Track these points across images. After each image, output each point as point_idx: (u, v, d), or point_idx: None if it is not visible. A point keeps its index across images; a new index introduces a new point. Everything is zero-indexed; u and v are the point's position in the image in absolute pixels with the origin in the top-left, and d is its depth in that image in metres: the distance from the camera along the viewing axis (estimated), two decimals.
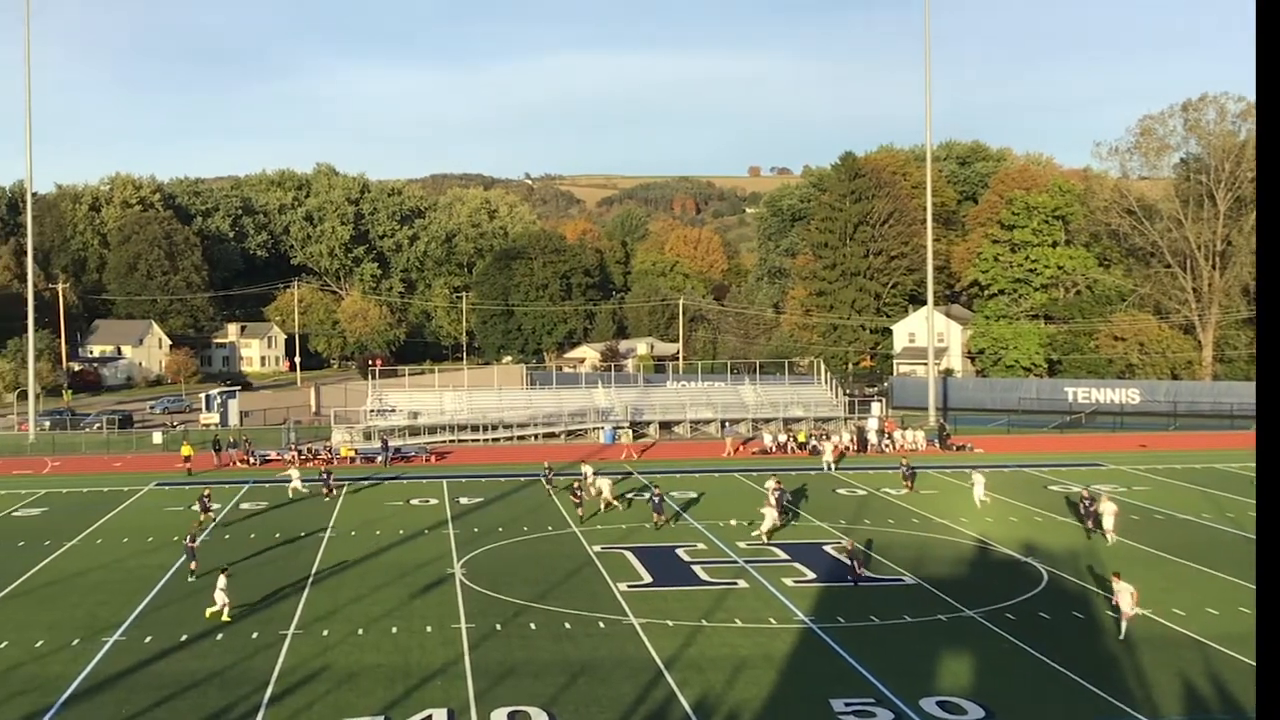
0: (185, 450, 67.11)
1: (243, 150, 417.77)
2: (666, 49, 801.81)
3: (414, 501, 54.70)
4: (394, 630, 32.50)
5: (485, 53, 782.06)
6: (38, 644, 31.67)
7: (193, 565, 39.33)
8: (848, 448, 71.91)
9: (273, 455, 70.89)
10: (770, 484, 48.49)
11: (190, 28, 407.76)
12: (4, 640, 32.08)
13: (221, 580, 34.31)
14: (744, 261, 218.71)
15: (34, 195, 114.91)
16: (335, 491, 56.24)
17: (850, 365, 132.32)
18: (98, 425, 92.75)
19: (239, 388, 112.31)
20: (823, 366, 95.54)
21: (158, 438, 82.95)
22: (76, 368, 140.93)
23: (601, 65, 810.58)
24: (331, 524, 49.07)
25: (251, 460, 69.46)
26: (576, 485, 51.45)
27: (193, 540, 40.41)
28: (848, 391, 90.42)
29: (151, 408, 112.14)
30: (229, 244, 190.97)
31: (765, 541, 43.68)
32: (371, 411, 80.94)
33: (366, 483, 60.80)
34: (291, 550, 43.95)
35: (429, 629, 32.56)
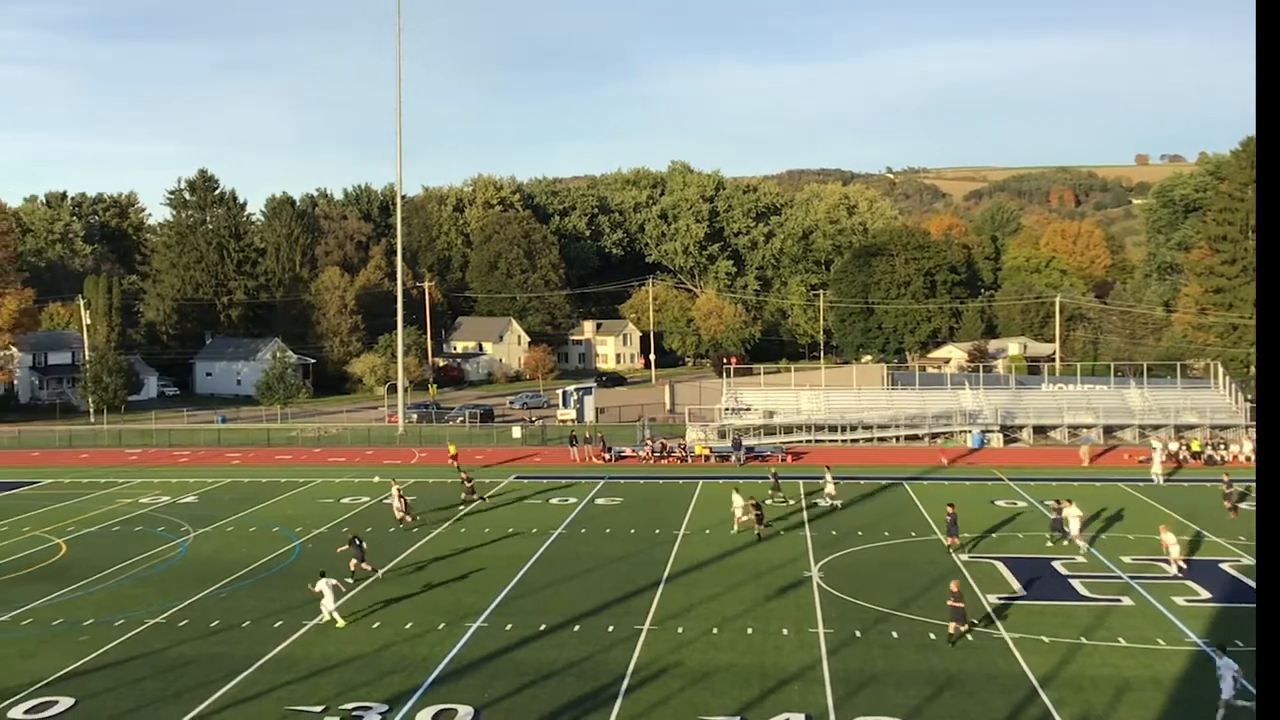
0: (451, 449, 72.12)
1: (599, 150, 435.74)
2: (1044, 32, 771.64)
3: (769, 502, 55.03)
4: (749, 631, 32.81)
5: (844, 45, 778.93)
6: (407, 626, 34.07)
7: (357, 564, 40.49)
8: (1186, 458, 67.70)
9: (627, 451, 73.36)
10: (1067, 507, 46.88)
11: (550, 34, 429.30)
12: (376, 620, 34.70)
13: (322, 584, 34.57)
14: (1130, 257, 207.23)
15: (403, 198, 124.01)
16: (478, 497, 56.48)
17: (1252, 369, 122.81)
18: (461, 419, 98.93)
19: (610, 383, 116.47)
20: (1220, 370, 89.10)
21: (517, 432, 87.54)
22: (441, 363, 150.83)
23: (970, 53, 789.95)
24: (686, 522, 50.13)
25: (607, 456, 72.08)
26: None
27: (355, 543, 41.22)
28: (1249, 398, 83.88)
29: (511, 403, 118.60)
30: (585, 242, 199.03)
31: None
32: (726, 410, 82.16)
33: (721, 481, 61.77)
34: (646, 546, 45.21)
35: (785, 631, 32.67)
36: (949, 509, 44.13)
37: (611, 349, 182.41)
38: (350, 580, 39.38)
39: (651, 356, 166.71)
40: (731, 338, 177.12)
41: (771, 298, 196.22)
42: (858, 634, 32.27)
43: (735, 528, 48.11)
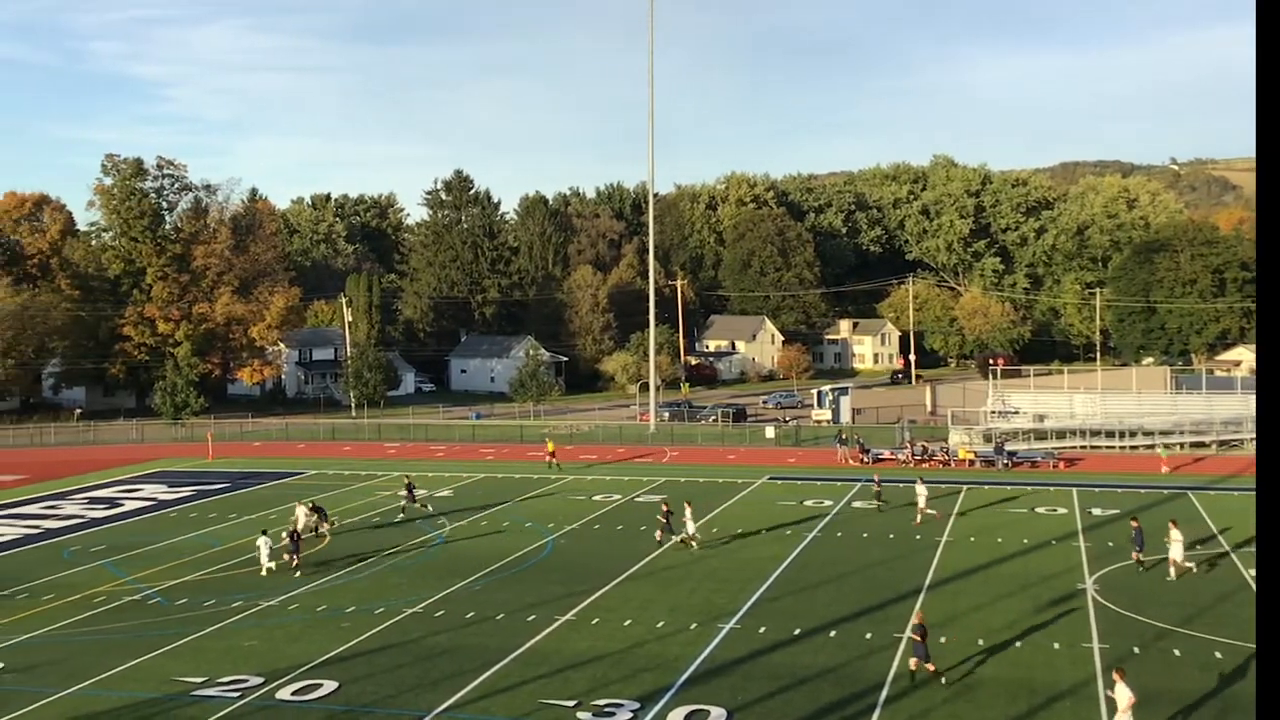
0: (550, 446, 73.24)
1: (856, 145, 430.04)
2: None
3: (1039, 510, 53.41)
4: (1017, 644, 31.93)
5: (1122, 28, 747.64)
6: (659, 624, 34.55)
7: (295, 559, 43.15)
8: None
9: (885, 454, 72.43)
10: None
11: (805, 26, 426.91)
12: (628, 618, 35.32)
13: (261, 540, 42.49)
14: None
15: (655, 196, 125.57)
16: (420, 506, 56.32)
17: None
18: (713, 418, 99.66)
19: (901, 381, 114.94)
20: None
21: (770, 432, 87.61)
22: (693, 362, 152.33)
23: None
24: (949, 529, 49.13)
25: (865, 459, 71.33)
26: None
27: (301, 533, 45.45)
28: None
29: (764, 402, 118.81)
30: (841, 240, 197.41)
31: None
32: (992, 413, 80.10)
33: (986, 487, 60.27)
34: (906, 552, 44.54)
35: (1056, 645, 31.64)
36: (1133, 523, 42.06)
37: (868, 349, 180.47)
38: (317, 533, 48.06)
39: (911, 357, 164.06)
40: (998, 338, 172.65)
41: (1042, 296, 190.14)
42: (1136, 650, 30.95)
43: (918, 518, 50.08)
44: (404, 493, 55.68)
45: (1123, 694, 24.64)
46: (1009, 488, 60.16)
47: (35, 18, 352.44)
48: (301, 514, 48.72)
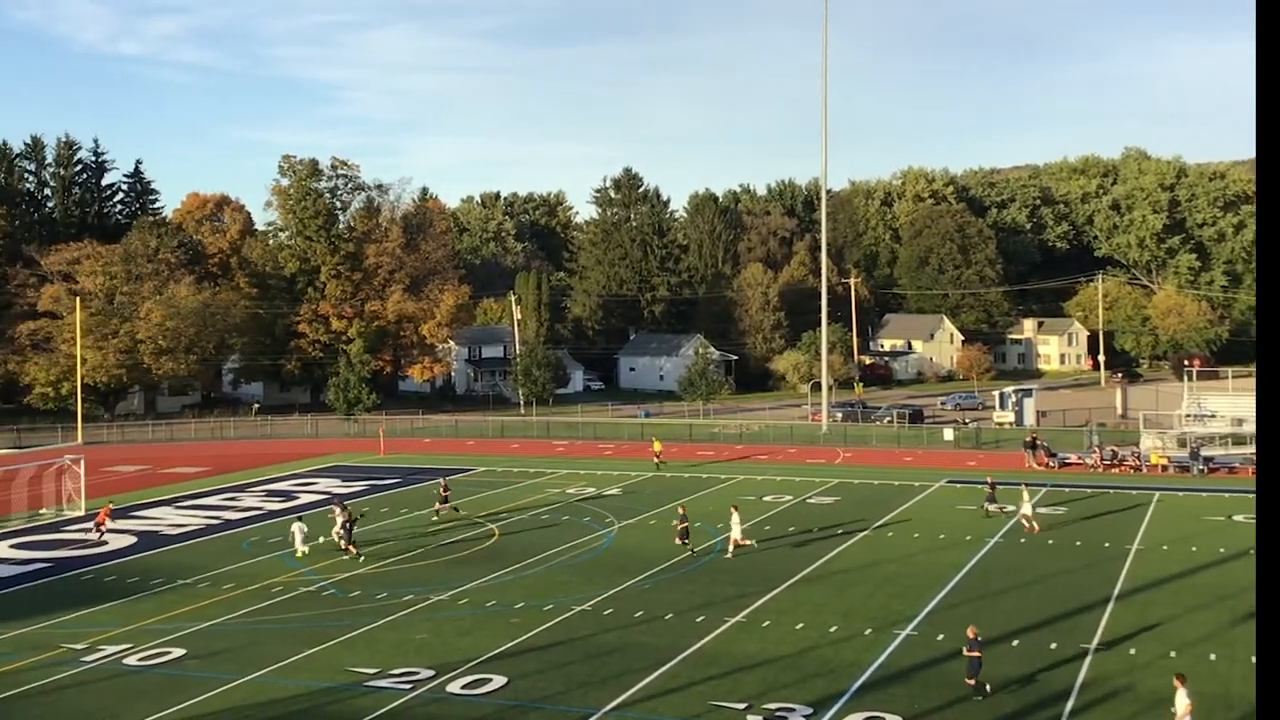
0: (656, 446, 74.16)
1: (1042, 138, 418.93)
2: None
3: (1237, 518, 51.46)
4: (1211, 657, 30.86)
5: None
6: (832, 629, 34.30)
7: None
8: None
9: (1073, 458, 70.65)
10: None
11: (984, 14, 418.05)
12: (800, 622, 35.14)
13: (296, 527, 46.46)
14: None
15: (828, 192, 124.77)
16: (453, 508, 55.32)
17: None
18: (888, 419, 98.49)
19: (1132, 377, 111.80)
20: None
21: (949, 434, 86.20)
22: (867, 361, 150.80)
23: None
24: (1140, 537, 47.69)
25: (1051, 463, 69.72)
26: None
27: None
28: None
29: (942, 404, 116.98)
30: (1025, 236, 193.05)
31: None
32: (1187, 416, 77.41)
33: (1180, 494, 58.31)
34: (1094, 561, 43.38)
35: (1254, 660, 30.36)
36: None
37: (1054, 349, 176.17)
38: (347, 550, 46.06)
39: (1100, 357, 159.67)
40: (1194, 338, 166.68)
41: (1241, 295, 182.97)
42: None
43: (1025, 524, 48.84)
44: (442, 493, 55.70)
45: (1181, 701, 24.56)
46: (1204, 495, 58.13)
47: (227, 25, 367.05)
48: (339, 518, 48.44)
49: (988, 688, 28.39)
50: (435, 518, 54.22)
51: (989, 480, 55.59)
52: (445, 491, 55.72)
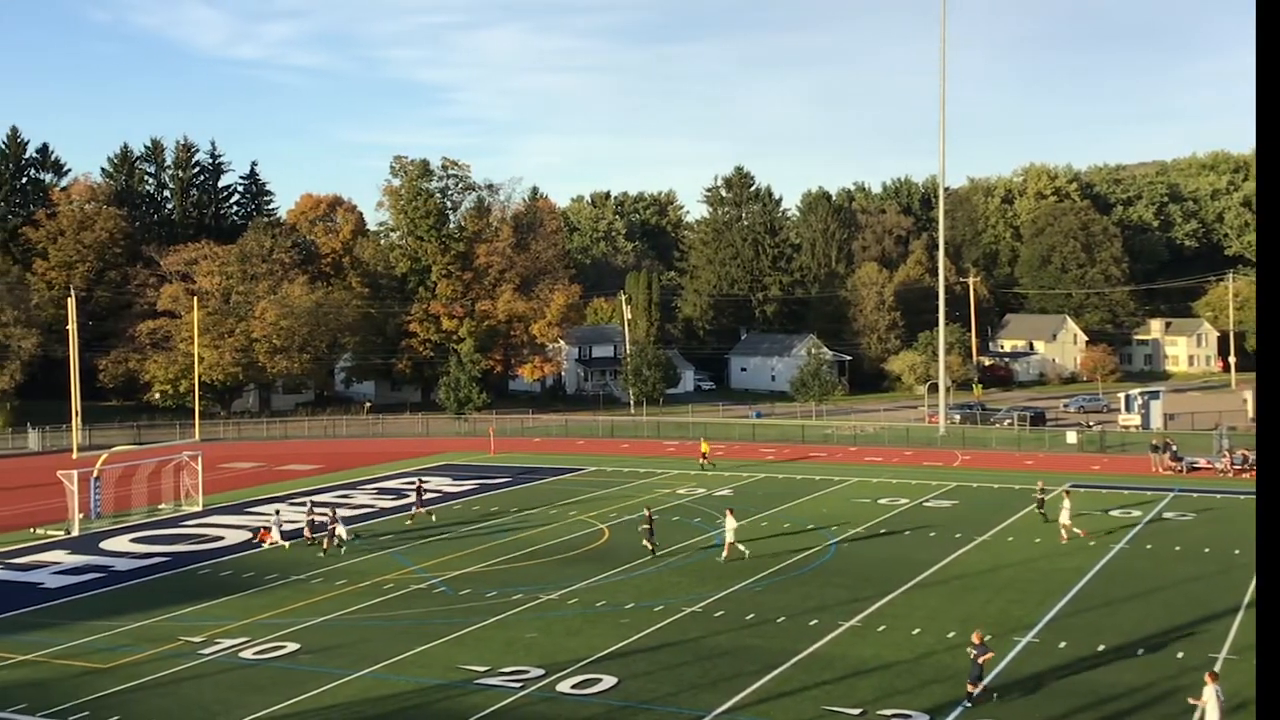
0: (704, 447, 74.66)
1: (1170, 133, 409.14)
2: None
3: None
4: None
5: None
6: (949, 634, 33.90)
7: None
8: None
9: (1202, 463, 69.07)
10: None
11: (1108, 7, 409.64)
12: (917, 627, 34.80)
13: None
14: None
15: (945, 190, 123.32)
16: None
17: None
18: (1008, 421, 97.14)
19: None
20: None
21: (1072, 437, 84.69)
22: (987, 362, 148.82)
23: None
24: None
25: (1178, 467, 68.25)
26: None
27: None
28: None
29: (1065, 406, 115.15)
30: (1152, 234, 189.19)
31: None
32: None
33: None
34: (1223, 568, 42.42)
35: None
36: None
37: (1183, 350, 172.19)
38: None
39: (1231, 359, 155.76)
40: None
41: None
42: None
43: (1063, 534, 47.51)
44: (419, 497, 56.45)
45: (1210, 698, 24.37)
46: None
47: (340, 28, 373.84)
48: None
49: (994, 695, 28.27)
50: (409, 522, 54.33)
51: (1039, 484, 54.99)
52: (421, 495, 56.84)
